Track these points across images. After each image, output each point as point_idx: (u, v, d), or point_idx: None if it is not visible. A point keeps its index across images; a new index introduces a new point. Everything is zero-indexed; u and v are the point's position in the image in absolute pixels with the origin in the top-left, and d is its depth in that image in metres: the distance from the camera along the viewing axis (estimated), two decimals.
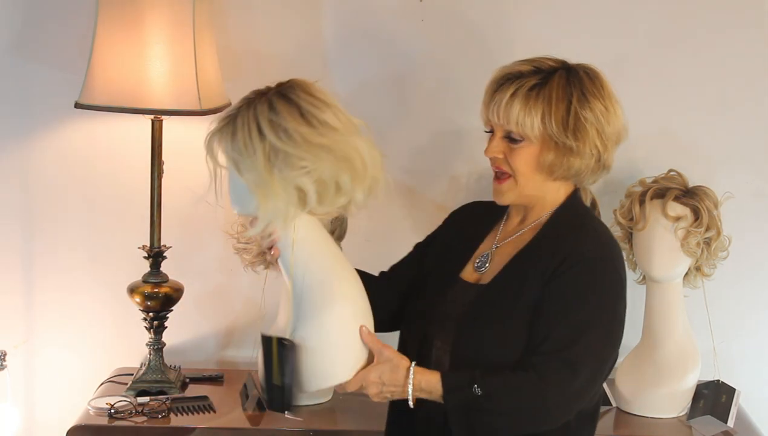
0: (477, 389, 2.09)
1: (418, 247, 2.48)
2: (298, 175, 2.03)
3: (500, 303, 2.19)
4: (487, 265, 2.27)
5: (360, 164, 2.06)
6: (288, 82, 2.12)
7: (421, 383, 2.12)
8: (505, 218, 2.36)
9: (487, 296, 2.22)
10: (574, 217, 2.27)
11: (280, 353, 2.09)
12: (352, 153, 2.06)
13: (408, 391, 2.11)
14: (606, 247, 2.22)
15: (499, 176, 2.25)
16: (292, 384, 2.10)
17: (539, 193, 2.26)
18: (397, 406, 2.21)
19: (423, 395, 2.12)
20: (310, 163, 2.03)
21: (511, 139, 2.22)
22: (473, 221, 2.39)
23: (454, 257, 2.33)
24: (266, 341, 2.13)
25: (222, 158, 2.10)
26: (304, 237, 2.11)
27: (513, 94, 2.20)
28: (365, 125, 2.12)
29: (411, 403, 2.13)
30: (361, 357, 2.14)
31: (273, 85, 2.14)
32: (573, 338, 2.12)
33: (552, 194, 2.28)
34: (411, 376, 2.11)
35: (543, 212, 2.28)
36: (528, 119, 2.19)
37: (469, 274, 2.29)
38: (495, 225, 2.36)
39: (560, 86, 2.23)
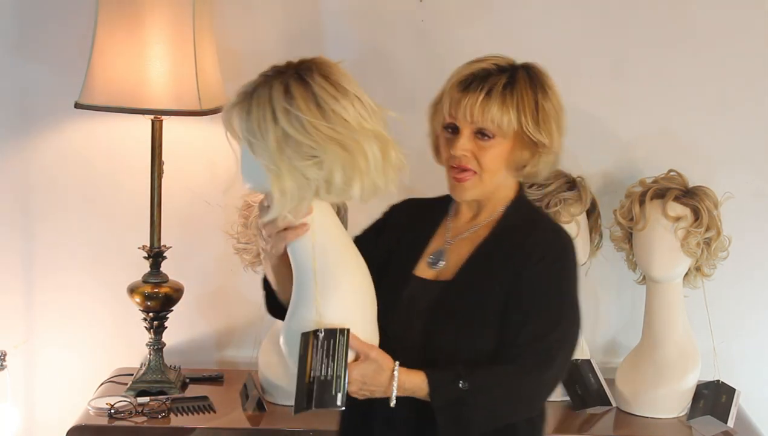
0: (463, 384, 2.11)
1: (366, 238, 2.41)
2: (307, 166, 2.03)
3: (469, 298, 2.21)
4: (442, 261, 2.28)
5: (363, 165, 2.06)
6: (309, 61, 2.12)
7: (405, 383, 2.12)
8: (452, 214, 2.35)
9: (454, 292, 2.23)
10: (528, 211, 2.32)
11: (328, 344, 2.07)
12: (358, 151, 2.05)
13: (392, 392, 2.11)
14: (565, 236, 2.28)
15: (460, 173, 2.25)
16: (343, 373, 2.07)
17: (495, 189, 2.29)
18: (355, 407, 2.19)
19: (407, 394, 2.14)
20: (320, 153, 2.03)
21: (481, 137, 2.23)
22: (418, 218, 2.38)
23: (405, 253, 2.32)
24: (305, 337, 2.10)
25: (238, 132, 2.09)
26: (321, 222, 2.11)
27: (488, 93, 2.22)
28: (390, 113, 2.12)
29: (392, 403, 2.12)
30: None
31: (295, 61, 2.13)
32: (548, 328, 2.16)
33: (504, 189, 2.30)
34: (396, 377, 2.11)
35: (497, 208, 2.30)
36: (505, 117, 2.21)
37: (423, 271, 2.29)
38: (441, 221, 2.36)
39: (527, 83, 2.27)
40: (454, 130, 2.25)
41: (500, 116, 2.21)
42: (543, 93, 2.29)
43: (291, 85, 2.07)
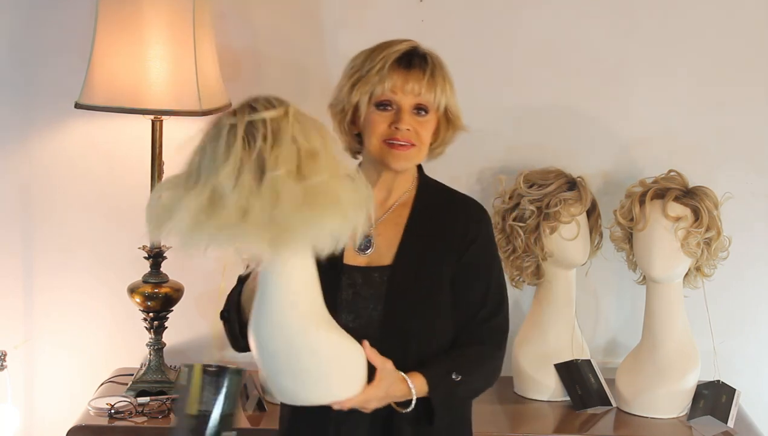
0: (456, 376, 2.24)
1: None
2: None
3: (419, 281, 2.27)
4: (371, 248, 2.30)
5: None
6: (279, 120, 2.06)
7: (416, 386, 2.20)
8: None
9: (401, 276, 2.27)
10: (436, 187, 2.40)
11: (222, 382, 2.08)
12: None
13: (412, 397, 2.19)
14: (482, 206, 2.39)
15: (402, 144, 2.28)
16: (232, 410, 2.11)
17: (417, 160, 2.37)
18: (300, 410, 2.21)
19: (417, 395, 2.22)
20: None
21: (418, 112, 2.28)
22: None
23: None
24: (190, 369, 2.11)
25: None
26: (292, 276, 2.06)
27: (432, 72, 2.28)
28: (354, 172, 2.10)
29: (411, 407, 2.19)
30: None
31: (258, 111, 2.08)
32: (499, 300, 2.34)
33: (410, 169, 2.37)
34: (412, 386, 2.19)
35: (405, 187, 2.35)
36: (444, 94, 2.29)
37: (353, 258, 2.30)
38: None
39: (442, 64, 2.34)
40: (387, 106, 2.27)
41: (441, 93, 2.29)
42: (448, 73, 2.35)
43: (274, 154, 2.01)
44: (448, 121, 2.34)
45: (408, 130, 2.27)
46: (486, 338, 2.31)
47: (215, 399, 2.08)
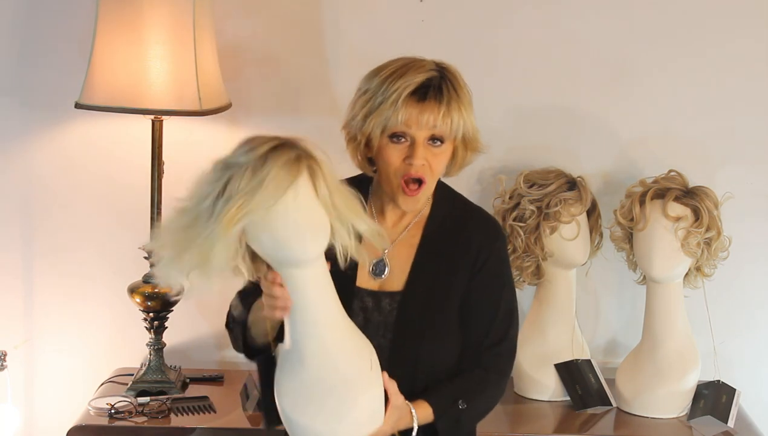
0: (462, 404, 2.25)
1: None
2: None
3: (429, 309, 2.26)
4: (385, 273, 2.29)
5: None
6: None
7: (419, 416, 2.22)
8: (375, 215, 2.34)
9: (411, 304, 2.25)
10: (452, 201, 2.35)
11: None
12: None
13: (414, 429, 2.21)
14: (497, 224, 2.37)
15: (412, 184, 2.24)
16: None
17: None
18: None
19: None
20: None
21: (433, 143, 2.24)
22: None
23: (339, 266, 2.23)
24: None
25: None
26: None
27: (448, 104, 2.22)
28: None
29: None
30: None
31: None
32: (507, 326, 2.30)
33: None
34: (415, 418, 2.20)
35: (422, 206, 2.32)
36: (460, 122, 2.23)
37: (366, 281, 2.29)
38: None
39: (460, 86, 2.28)
40: (401, 138, 2.23)
41: (458, 123, 2.23)
42: (466, 89, 2.29)
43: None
44: (465, 145, 2.28)
45: (423, 164, 2.23)
46: (490, 365, 2.29)
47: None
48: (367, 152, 2.28)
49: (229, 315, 2.32)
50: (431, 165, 2.23)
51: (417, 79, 2.23)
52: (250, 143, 2.01)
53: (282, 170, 1.96)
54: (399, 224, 2.32)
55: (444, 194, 2.35)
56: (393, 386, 2.15)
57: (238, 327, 2.26)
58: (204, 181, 2.05)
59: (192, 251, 1.97)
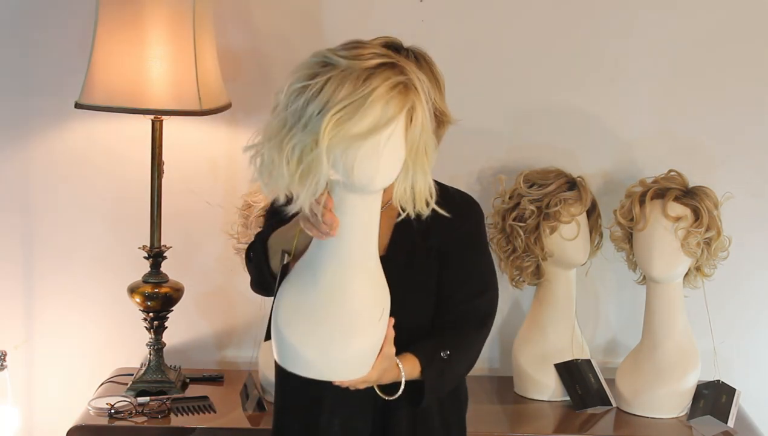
0: (444, 353, 2.23)
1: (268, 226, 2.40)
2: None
3: (410, 273, 2.27)
4: None
5: None
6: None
7: (407, 372, 2.20)
8: None
9: (393, 268, 2.21)
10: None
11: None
12: None
13: (401, 383, 2.18)
14: (474, 200, 2.38)
15: None
16: None
17: None
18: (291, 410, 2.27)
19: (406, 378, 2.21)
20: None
21: None
22: None
23: None
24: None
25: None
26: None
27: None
28: None
29: (398, 393, 2.19)
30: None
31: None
32: (482, 284, 2.31)
33: None
34: (402, 371, 2.18)
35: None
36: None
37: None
38: None
39: (426, 60, 2.31)
40: None
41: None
42: (436, 69, 2.32)
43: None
44: (434, 116, 2.27)
45: None
46: (467, 317, 2.29)
47: None
48: None
49: (252, 244, 2.31)
50: None
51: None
52: (357, 48, 1.96)
53: (388, 98, 1.92)
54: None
55: None
56: (390, 335, 2.13)
57: (261, 251, 2.24)
58: (299, 74, 1.97)
59: (283, 158, 1.91)
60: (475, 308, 2.31)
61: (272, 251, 2.23)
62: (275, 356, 2.10)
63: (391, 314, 2.19)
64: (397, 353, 2.20)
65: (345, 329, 2.04)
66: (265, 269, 2.25)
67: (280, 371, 2.26)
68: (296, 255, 2.15)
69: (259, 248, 2.26)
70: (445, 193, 2.35)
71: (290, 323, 2.04)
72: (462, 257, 2.30)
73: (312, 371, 2.05)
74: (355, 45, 2.00)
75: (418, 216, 2.25)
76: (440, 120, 2.34)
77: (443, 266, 2.30)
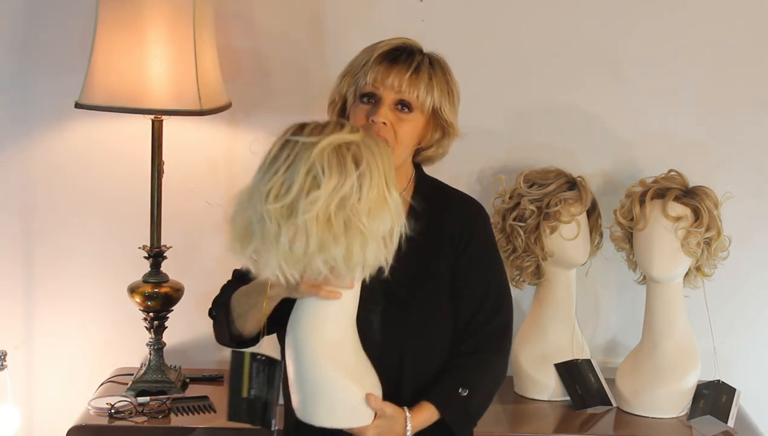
0: (463, 390, 2.26)
1: None
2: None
3: (414, 279, 2.28)
4: None
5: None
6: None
7: (417, 426, 2.24)
8: None
9: (400, 282, 2.23)
10: (434, 184, 2.41)
11: (258, 369, 2.21)
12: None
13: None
14: (479, 203, 2.40)
15: None
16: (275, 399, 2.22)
17: (399, 166, 2.33)
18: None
19: (420, 428, 2.25)
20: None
21: (401, 108, 2.28)
22: None
23: None
24: (239, 356, 2.23)
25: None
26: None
27: (417, 68, 2.28)
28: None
29: None
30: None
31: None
32: (499, 299, 2.33)
33: (405, 168, 2.37)
34: (408, 427, 2.22)
35: (401, 186, 2.33)
36: (429, 95, 2.29)
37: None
38: None
39: (441, 69, 2.34)
40: (370, 99, 2.29)
41: (425, 93, 2.28)
42: (452, 80, 2.36)
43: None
44: (437, 124, 2.33)
45: (384, 124, 2.26)
46: (485, 342, 2.31)
47: (269, 387, 2.19)
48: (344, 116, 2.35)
49: (214, 302, 2.36)
50: (396, 130, 2.27)
51: (392, 42, 2.31)
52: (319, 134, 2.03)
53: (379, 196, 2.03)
54: None
55: (425, 179, 2.40)
56: (376, 400, 2.17)
57: (221, 309, 2.31)
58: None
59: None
60: (493, 328, 2.32)
61: (235, 314, 2.28)
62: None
63: (397, 323, 2.24)
64: (409, 369, 2.24)
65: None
66: (226, 333, 2.31)
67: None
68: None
69: (222, 315, 2.32)
70: (449, 197, 2.38)
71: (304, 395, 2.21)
72: (478, 272, 2.30)
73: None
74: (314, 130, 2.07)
75: (424, 222, 2.28)
76: (446, 131, 2.35)
77: (458, 283, 2.30)
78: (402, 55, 2.29)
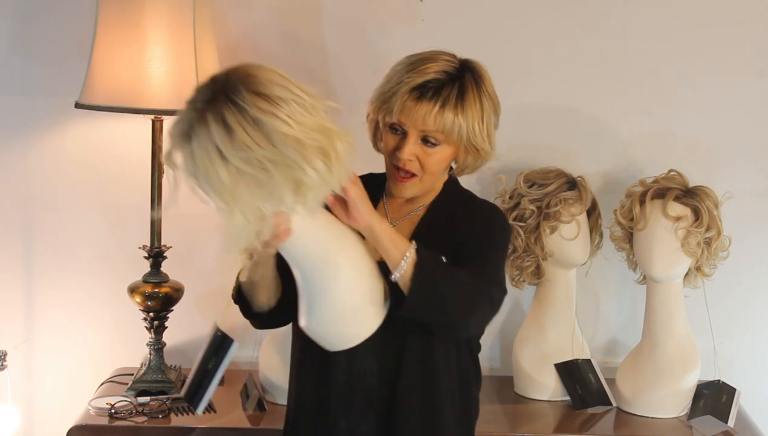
0: (445, 260, 2.20)
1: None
2: (259, 197, 2.01)
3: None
4: None
5: (311, 181, 1.99)
6: (234, 78, 1.99)
7: (386, 229, 2.16)
8: (388, 192, 2.41)
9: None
10: (463, 193, 2.42)
11: (213, 342, 2.32)
12: (303, 170, 1.98)
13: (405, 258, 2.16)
14: (497, 208, 2.40)
15: (403, 175, 2.31)
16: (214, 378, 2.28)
17: (434, 185, 2.38)
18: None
19: (392, 246, 2.16)
20: (270, 183, 1.99)
21: (426, 142, 2.29)
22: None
23: None
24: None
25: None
26: (302, 223, 2.09)
27: (442, 105, 2.26)
28: (329, 103, 2.04)
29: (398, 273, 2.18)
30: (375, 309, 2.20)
31: (220, 76, 2.02)
32: (496, 276, 2.27)
33: (440, 182, 2.39)
34: (380, 225, 2.15)
35: (430, 196, 2.38)
36: (456, 128, 2.27)
37: (371, 252, 2.28)
38: (380, 200, 2.42)
39: (474, 91, 2.31)
40: (398, 130, 2.30)
41: (451, 127, 2.27)
42: (488, 99, 2.33)
43: (227, 117, 1.95)
44: (468, 149, 2.33)
45: (410, 160, 2.28)
46: (484, 278, 2.24)
47: (215, 364, 2.29)
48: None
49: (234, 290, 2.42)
50: (423, 163, 2.29)
51: (419, 79, 2.28)
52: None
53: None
54: (408, 205, 2.38)
55: (452, 188, 2.41)
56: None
57: (239, 298, 2.40)
58: None
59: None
60: (479, 276, 2.23)
61: (247, 295, 2.38)
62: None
63: (401, 322, 2.22)
64: (410, 358, 2.25)
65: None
66: (250, 315, 2.41)
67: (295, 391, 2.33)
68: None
69: (239, 298, 2.42)
70: (470, 203, 2.40)
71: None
72: (474, 250, 2.28)
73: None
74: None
75: (441, 221, 2.31)
76: (479, 153, 2.35)
77: (457, 261, 2.27)
78: (429, 92, 2.26)
